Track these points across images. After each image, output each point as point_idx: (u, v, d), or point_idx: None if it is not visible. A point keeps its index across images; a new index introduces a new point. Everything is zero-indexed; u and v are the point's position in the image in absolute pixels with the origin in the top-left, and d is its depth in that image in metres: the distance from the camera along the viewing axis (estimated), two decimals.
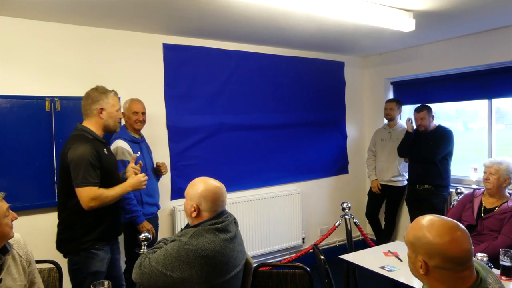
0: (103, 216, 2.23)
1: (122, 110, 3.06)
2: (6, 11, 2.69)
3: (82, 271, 2.18)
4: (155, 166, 3.12)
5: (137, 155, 2.58)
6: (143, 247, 2.37)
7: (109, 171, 2.26)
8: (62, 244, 2.24)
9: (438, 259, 1.23)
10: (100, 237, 2.23)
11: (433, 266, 1.24)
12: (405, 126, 4.17)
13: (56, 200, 2.88)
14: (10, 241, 1.73)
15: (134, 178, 2.28)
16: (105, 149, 2.30)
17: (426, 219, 1.31)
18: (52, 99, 2.92)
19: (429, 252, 1.25)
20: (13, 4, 2.57)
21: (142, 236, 2.38)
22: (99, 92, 2.27)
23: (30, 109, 2.85)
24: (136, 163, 2.40)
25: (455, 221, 1.29)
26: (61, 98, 2.95)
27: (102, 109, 2.25)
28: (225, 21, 3.09)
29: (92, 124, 2.26)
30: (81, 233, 2.18)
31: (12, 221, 1.68)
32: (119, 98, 3.26)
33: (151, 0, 2.57)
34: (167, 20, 3.06)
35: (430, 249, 1.24)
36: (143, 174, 2.33)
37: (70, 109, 2.98)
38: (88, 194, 2.09)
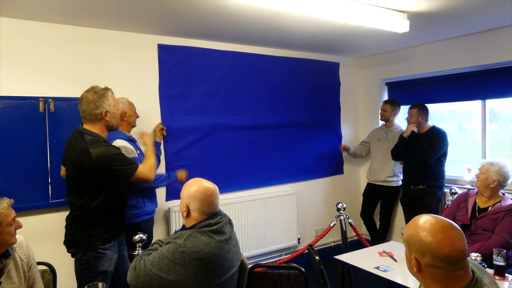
0: (112, 215, 2.29)
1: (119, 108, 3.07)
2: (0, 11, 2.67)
3: (91, 270, 2.20)
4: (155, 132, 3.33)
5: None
6: (137, 248, 2.36)
7: None
8: (70, 243, 2.25)
9: (429, 258, 1.24)
10: (109, 236, 2.27)
11: (426, 264, 1.26)
12: (402, 128, 4.18)
13: (51, 201, 2.89)
14: None
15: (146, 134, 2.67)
16: None
17: (422, 218, 1.33)
18: (46, 99, 2.90)
19: (420, 250, 1.26)
20: (6, 5, 2.54)
21: (136, 237, 2.37)
22: (99, 94, 2.24)
23: (23, 110, 2.82)
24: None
25: (450, 220, 1.30)
26: (55, 99, 2.93)
27: (106, 111, 2.25)
28: (220, 21, 3.09)
29: (97, 128, 2.25)
30: (90, 232, 2.20)
31: (15, 229, 1.67)
32: None
33: (146, 1, 2.56)
34: (162, 21, 3.05)
35: (421, 247, 1.26)
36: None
37: (64, 109, 2.96)
38: (145, 170, 2.33)
